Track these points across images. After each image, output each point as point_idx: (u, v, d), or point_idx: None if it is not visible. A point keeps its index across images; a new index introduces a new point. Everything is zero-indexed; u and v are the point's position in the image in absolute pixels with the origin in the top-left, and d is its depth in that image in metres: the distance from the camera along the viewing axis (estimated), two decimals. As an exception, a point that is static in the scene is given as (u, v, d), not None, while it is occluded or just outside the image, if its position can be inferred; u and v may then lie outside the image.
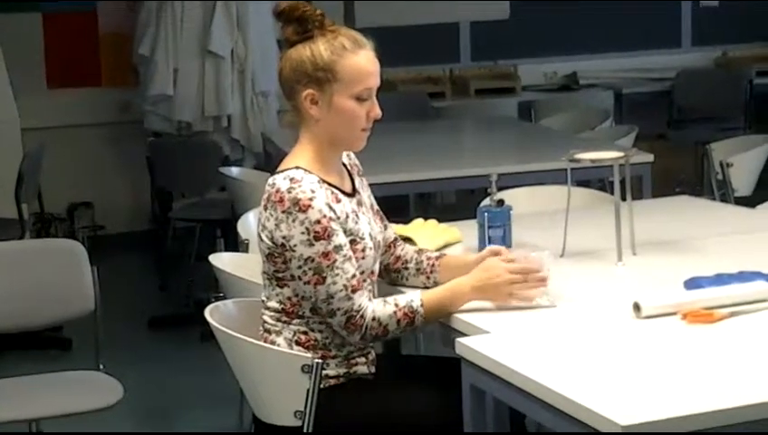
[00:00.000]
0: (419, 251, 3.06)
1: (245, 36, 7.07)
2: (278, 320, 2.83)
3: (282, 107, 6.96)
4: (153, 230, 7.52)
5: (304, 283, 2.74)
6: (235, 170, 5.43)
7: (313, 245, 2.71)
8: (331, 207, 2.75)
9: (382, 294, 2.89)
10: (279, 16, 2.82)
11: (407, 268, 3.03)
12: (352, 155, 3.01)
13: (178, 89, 7.06)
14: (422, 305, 2.76)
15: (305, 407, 2.69)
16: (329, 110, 2.80)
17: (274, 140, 5.85)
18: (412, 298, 2.78)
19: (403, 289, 2.98)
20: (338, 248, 2.73)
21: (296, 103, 2.83)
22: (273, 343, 2.82)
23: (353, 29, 2.87)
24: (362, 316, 2.74)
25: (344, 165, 2.95)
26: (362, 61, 2.80)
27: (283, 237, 2.72)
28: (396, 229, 3.22)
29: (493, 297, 2.77)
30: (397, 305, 2.77)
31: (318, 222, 2.71)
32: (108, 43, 7.70)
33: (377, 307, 2.76)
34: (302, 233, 2.71)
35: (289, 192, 2.72)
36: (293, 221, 2.71)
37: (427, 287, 2.96)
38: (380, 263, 3.01)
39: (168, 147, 6.93)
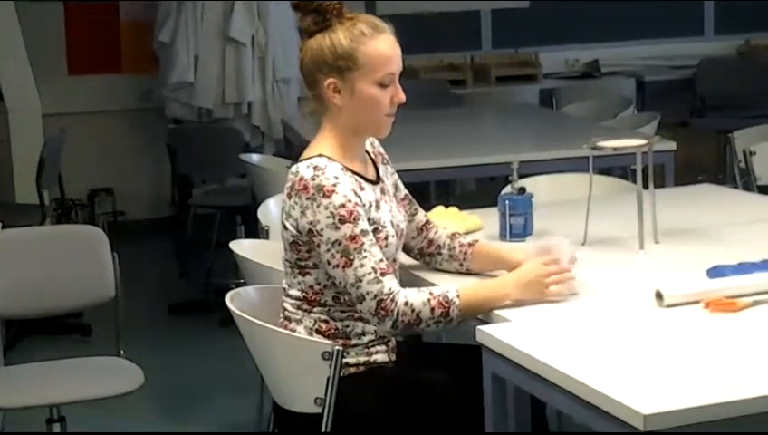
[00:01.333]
0: (452, 236, 3.04)
1: (266, 23, 7.07)
2: (299, 308, 2.83)
3: (302, 94, 6.96)
4: (173, 217, 7.53)
5: (333, 267, 2.72)
6: (255, 157, 5.42)
7: (339, 228, 2.70)
8: (356, 193, 2.74)
9: (409, 283, 2.87)
10: (297, 8, 2.82)
11: (440, 253, 3.03)
12: (376, 143, 3.00)
13: (199, 76, 7.07)
14: (458, 297, 2.71)
15: (325, 394, 2.68)
16: (352, 97, 2.79)
17: (295, 126, 5.84)
18: (448, 289, 2.73)
19: (439, 273, 2.97)
20: (365, 232, 2.72)
21: (318, 93, 2.83)
22: (293, 331, 2.82)
23: (374, 15, 2.86)
24: (393, 300, 2.70)
25: (368, 153, 2.94)
26: (382, 46, 2.79)
27: (310, 223, 2.72)
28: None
29: (533, 294, 2.72)
30: (431, 294, 2.73)
31: (343, 206, 2.70)
32: (129, 30, 7.71)
33: (409, 293, 2.73)
34: (328, 217, 2.70)
35: (313, 179, 2.72)
36: (318, 207, 2.70)
37: (460, 273, 2.97)
38: (414, 247, 3.02)
39: (189, 133, 6.95)
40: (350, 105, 2.80)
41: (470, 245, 3.01)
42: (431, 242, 3.04)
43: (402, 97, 2.82)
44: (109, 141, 7.72)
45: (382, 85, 2.79)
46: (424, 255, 3.04)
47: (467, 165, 4.88)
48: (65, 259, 3.77)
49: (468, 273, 2.98)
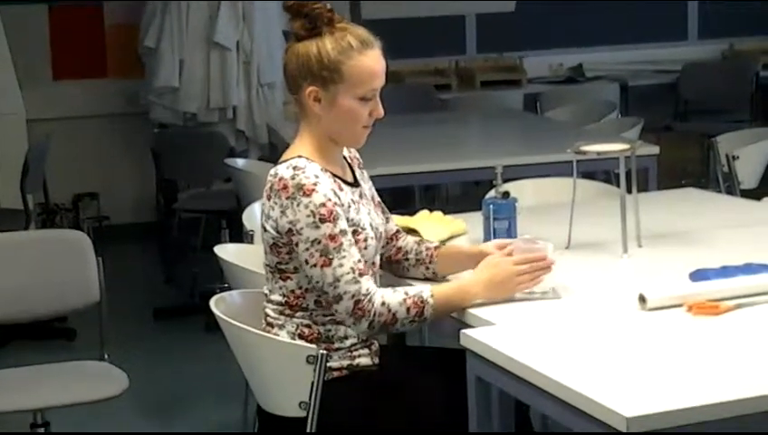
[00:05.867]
0: (419, 242, 3.06)
1: (251, 28, 7.07)
2: (281, 313, 2.83)
3: (287, 98, 6.97)
4: (158, 221, 7.53)
5: (311, 266, 2.72)
6: (240, 162, 5.43)
7: (319, 227, 2.70)
8: (335, 193, 2.75)
9: (386, 286, 2.88)
10: (288, 9, 2.81)
11: (407, 259, 3.03)
12: (352, 148, 3.01)
13: (184, 80, 7.06)
14: (432, 297, 2.73)
15: (310, 398, 2.68)
16: (331, 108, 2.79)
17: (279, 131, 5.85)
18: (422, 289, 2.76)
19: (405, 280, 2.98)
20: (344, 232, 2.72)
21: (299, 98, 2.83)
22: (275, 336, 2.82)
23: (360, 21, 2.86)
24: (370, 301, 2.71)
25: (345, 158, 2.94)
26: (369, 62, 2.78)
27: (290, 222, 2.72)
28: (401, 221, 3.22)
29: (502, 294, 2.75)
30: (406, 294, 2.74)
31: (323, 205, 2.70)
32: (114, 35, 7.70)
33: (386, 293, 2.74)
34: (308, 216, 2.70)
35: (293, 178, 2.72)
36: (298, 205, 2.70)
37: (427, 278, 2.97)
38: (382, 255, 3.01)
39: (174, 138, 6.94)
40: (328, 115, 2.80)
41: (436, 248, 3.02)
42: (399, 249, 3.04)
43: (381, 112, 2.82)
44: (93, 146, 7.71)
45: (363, 99, 2.79)
46: (392, 262, 3.04)
47: (452, 169, 4.89)
48: (50, 264, 3.76)
49: (434, 278, 2.98)
